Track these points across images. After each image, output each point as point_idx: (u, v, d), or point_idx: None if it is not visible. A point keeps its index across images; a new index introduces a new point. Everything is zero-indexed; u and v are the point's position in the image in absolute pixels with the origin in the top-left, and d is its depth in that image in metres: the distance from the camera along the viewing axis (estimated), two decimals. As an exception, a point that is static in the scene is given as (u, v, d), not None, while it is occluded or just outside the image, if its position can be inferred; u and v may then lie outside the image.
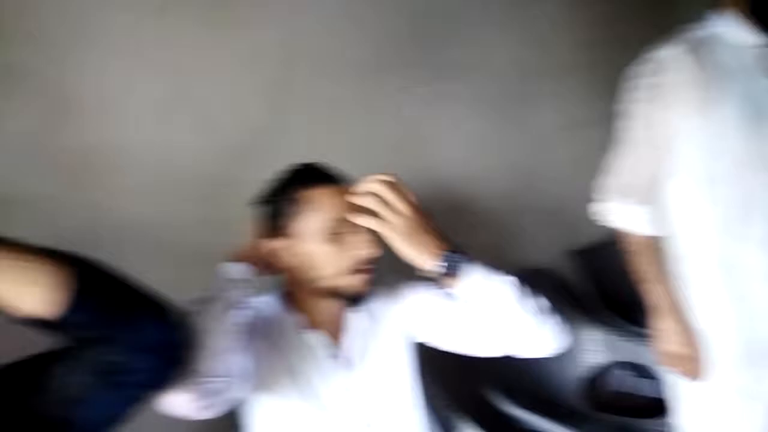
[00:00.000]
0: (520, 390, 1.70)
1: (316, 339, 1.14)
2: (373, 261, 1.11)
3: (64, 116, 1.33)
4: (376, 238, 1.07)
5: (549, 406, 1.66)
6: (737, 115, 1.18)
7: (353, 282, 1.10)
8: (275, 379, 1.12)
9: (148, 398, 0.84)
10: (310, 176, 1.11)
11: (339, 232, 1.08)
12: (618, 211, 1.33)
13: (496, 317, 1.04)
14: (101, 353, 0.78)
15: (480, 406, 1.64)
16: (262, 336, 1.13)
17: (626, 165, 1.30)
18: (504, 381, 1.71)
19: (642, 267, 1.32)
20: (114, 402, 0.81)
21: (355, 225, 1.07)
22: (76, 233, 1.31)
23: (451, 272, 1.01)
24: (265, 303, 1.18)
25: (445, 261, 1.01)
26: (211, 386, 0.95)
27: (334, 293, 1.12)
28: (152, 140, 1.43)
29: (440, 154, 1.82)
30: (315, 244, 1.09)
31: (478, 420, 1.46)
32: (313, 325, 1.15)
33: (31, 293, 0.73)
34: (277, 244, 1.11)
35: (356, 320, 1.17)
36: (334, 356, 1.14)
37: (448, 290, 1.05)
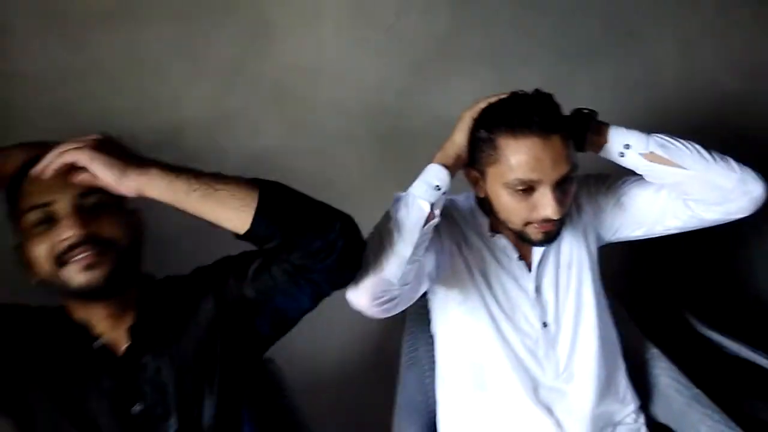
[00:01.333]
0: (724, 314, 1.58)
1: (503, 242, 1.19)
2: (558, 220, 1.08)
3: (265, 41, 1.43)
4: (562, 198, 1.07)
5: (756, 333, 1.52)
6: None
7: (535, 234, 1.11)
8: (460, 274, 1.19)
9: (327, 294, 1.00)
10: (521, 117, 1.05)
11: (527, 189, 1.06)
12: None
13: (680, 172, 1.09)
14: (287, 256, 0.96)
15: (677, 328, 1.57)
16: (454, 228, 1.20)
17: None
18: (707, 304, 1.61)
19: None
20: (298, 295, 0.99)
21: (544, 183, 1.05)
22: (276, 144, 1.46)
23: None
24: (464, 198, 1.24)
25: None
26: (390, 293, 1.02)
27: (518, 235, 1.14)
28: (338, 61, 1.49)
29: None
30: (502, 191, 1.09)
31: (674, 342, 1.42)
32: (501, 229, 1.19)
33: (224, 217, 0.91)
34: (472, 172, 1.14)
35: None
36: (519, 260, 1.19)
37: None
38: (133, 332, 0.99)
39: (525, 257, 1.20)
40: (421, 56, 1.54)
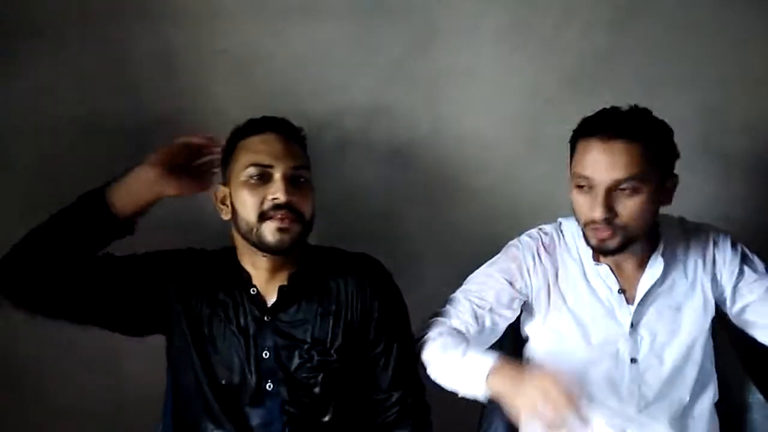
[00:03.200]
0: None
1: (606, 271, 1.20)
2: (613, 229, 1.12)
3: (427, 42, 1.57)
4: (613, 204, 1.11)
5: None
6: None
7: (591, 237, 1.15)
8: (556, 299, 1.23)
9: None
10: (590, 124, 1.15)
11: (585, 186, 1.13)
12: None
13: None
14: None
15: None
16: (548, 262, 1.24)
17: None
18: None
19: None
20: None
21: (596, 183, 1.09)
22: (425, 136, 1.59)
23: None
24: (572, 230, 1.26)
25: None
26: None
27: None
28: (493, 66, 1.59)
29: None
30: (573, 188, 1.17)
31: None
32: (604, 260, 1.21)
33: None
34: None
35: (654, 264, 1.19)
36: (619, 293, 1.20)
37: None
38: (280, 292, 1.17)
39: (626, 290, 1.20)
40: (574, 70, 1.59)
